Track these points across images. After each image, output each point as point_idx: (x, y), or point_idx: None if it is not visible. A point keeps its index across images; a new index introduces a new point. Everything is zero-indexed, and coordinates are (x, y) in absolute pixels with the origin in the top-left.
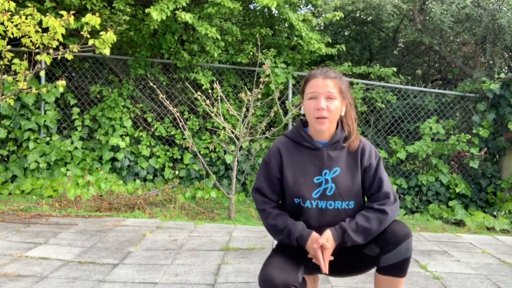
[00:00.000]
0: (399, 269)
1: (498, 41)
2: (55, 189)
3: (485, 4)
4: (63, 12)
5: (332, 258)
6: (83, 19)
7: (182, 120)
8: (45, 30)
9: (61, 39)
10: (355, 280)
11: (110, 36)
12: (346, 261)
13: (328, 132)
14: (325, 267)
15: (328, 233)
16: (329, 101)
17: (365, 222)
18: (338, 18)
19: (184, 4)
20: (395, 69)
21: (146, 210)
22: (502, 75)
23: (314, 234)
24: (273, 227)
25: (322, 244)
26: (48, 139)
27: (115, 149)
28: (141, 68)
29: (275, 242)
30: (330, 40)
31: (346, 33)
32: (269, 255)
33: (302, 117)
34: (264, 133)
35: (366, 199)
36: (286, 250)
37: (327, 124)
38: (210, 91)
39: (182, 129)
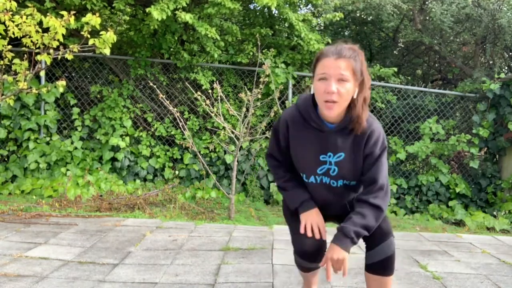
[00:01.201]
0: (384, 267)
1: (498, 41)
2: (55, 189)
3: (485, 4)
4: (64, 12)
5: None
6: (83, 19)
7: (182, 120)
8: (46, 30)
9: (61, 39)
10: (355, 280)
11: (110, 36)
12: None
13: (336, 114)
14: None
15: (333, 251)
16: (340, 83)
17: (363, 220)
18: (338, 18)
19: (184, 4)
20: (395, 69)
21: (146, 210)
22: (502, 75)
23: (316, 210)
24: (283, 187)
25: (337, 260)
26: (48, 139)
27: (115, 149)
28: (141, 68)
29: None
30: (330, 40)
31: (346, 33)
32: (290, 227)
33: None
34: (264, 133)
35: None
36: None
37: (336, 110)
38: (210, 91)
39: (182, 129)
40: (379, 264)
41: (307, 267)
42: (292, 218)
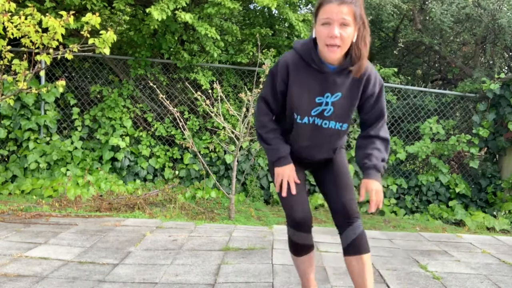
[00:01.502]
0: (359, 246)
1: (498, 41)
2: (55, 189)
3: (485, 4)
4: (63, 12)
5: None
6: (83, 19)
7: (182, 120)
8: (45, 30)
9: (61, 39)
10: None
11: (110, 36)
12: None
13: (338, 57)
14: (284, 192)
15: (372, 184)
16: (342, 28)
17: (381, 154)
18: None
19: (184, 4)
20: (396, 69)
21: (146, 210)
22: (502, 75)
23: (285, 167)
24: (264, 138)
25: (377, 190)
26: (48, 139)
27: (115, 149)
28: (141, 68)
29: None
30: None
31: None
32: (282, 198)
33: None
34: None
35: (360, 119)
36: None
37: (339, 53)
38: (210, 91)
39: (182, 129)
40: (354, 244)
41: (300, 243)
42: (283, 199)
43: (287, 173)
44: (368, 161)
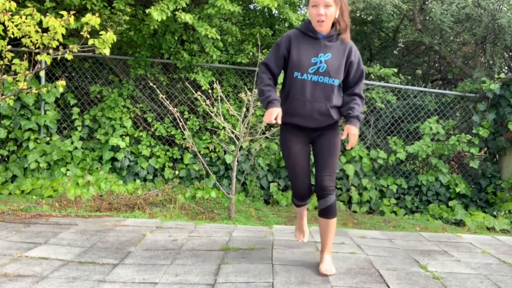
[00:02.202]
0: (328, 212)
1: (498, 41)
2: (55, 189)
3: (485, 4)
4: (63, 12)
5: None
6: (83, 19)
7: (182, 120)
8: (45, 30)
9: (61, 39)
10: (355, 280)
11: (110, 36)
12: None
13: (326, 29)
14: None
15: (353, 129)
16: (326, 8)
17: (360, 108)
18: None
19: (184, 5)
20: (395, 69)
21: (146, 210)
22: (502, 75)
23: (274, 108)
24: (260, 90)
25: (355, 134)
26: (48, 139)
27: (115, 149)
28: (141, 68)
29: (275, 243)
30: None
31: None
32: (289, 173)
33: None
34: (264, 133)
35: (345, 83)
36: (294, 152)
37: (325, 26)
38: (210, 91)
39: (182, 129)
40: (324, 210)
41: (298, 204)
42: (290, 163)
43: (275, 112)
44: (351, 112)
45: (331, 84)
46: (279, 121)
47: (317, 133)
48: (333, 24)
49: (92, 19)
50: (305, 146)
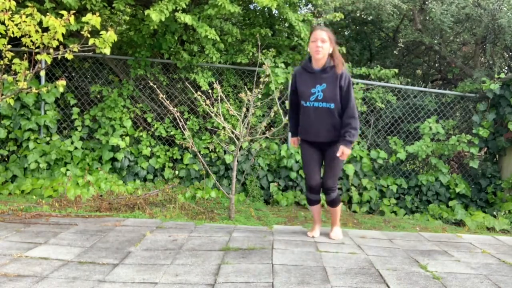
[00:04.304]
0: (332, 203)
1: (498, 41)
2: (55, 189)
3: (485, 4)
4: (63, 12)
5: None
6: (83, 19)
7: (182, 120)
8: (45, 30)
9: (61, 39)
10: (355, 280)
11: (110, 36)
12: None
13: (322, 62)
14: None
15: (346, 150)
16: (322, 43)
17: (354, 130)
18: (339, 19)
19: (184, 6)
20: (396, 70)
21: (146, 210)
22: (502, 75)
23: (292, 138)
24: (289, 121)
25: (346, 154)
26: (48, 139)
27: (115, 149)
28: (141, 68)
29: (275, 243)
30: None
31: (346, 33)
32: (304, 170)
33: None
34: (264, 133)
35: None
36: (307, 157)
37: (321, 54)
38: (210, 91)
39: (182, 129)
40: (329, 202)
41: (311, 199)
42: (304, 164)
43: (293, 141)
44: (346, 137)
45: (328, 107)
46: (296, 145)
47: (326, 146)
48: (327, 59)
49: (92, 19)
50: (315, 153)
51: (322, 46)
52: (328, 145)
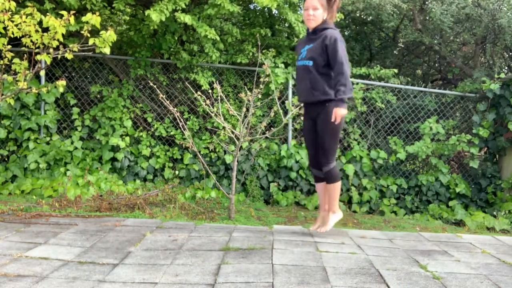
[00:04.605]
0: (327, 179)
1: (498, 41)
2: (55, 189)
3: (485, 4)
4: (63, 12)
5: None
6: (84, 18)
7: (182, 120)
8: (45, 30)
9: (61, 39)
10: (355, 280)
11: (110, 35)
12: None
13: (314, 25)
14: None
15: (338, 110)
16: (314, 10)
17: (344, 87)
18: (339, 19)
19: (184, 6)
20: (396, 70)
21: (146, 210)
22: (502, 75)
23: None
24: None
25: (340, 114)
26: (48, 139)
27: (115, 149)
28: (141, 68)
29: (275, 243)
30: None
31: (346, 33)
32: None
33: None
34: (264, 133)
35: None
36: (304, 131)
37: (313, 23)
38: (210, 91)
39: (182, 129)
40: (325, 177)
41: (313, 174)
42: (304, 139)
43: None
44: (337, 95)
45: (307, 65)
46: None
47: (316, 113)
48: (322, 22)
49: (92, 18)
50: (310, 125)
51: (314, 14)
52: (318, 113)
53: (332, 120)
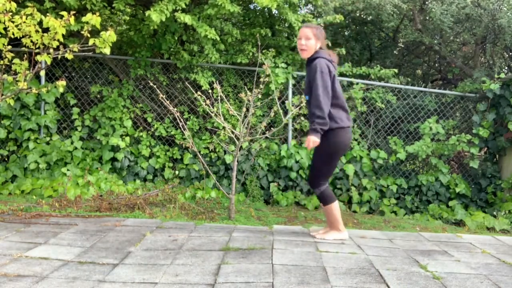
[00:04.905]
0: (320, 200)
1: (498, 41)
2: (55, 189)
3: (485, 4)
4: (64, 13)
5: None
6: (83, 18)
7: (182, 120)
8: (46, 30)
9: (61, 39)
10: (355, 280)
11: (110, 35)
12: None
13: (308, 56)
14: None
15: (312, 138)
16: (307, 40)
17: (319, 119)
18: (339, 20)
19: (184, 6)
20: (396, 70)
21: (146, 210)
22: (502, 75)
23: None
24: None
25: (313, 141)
26: (48, 139)
27: (115, 149)
28: (141, 68)
29: (275, 243)
30: (329, 43)
31: (346, 33)
32: None
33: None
34: (264, 133)
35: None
36: None
37: (305, 54)
38: (210, 91)
39: (182, 129)
40: (319, 199)
41: None
42: None
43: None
44: (311, 125)
45: (307, 99)
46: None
47: None
48: (314, 52)
49: (92, 19)
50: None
51: (306, 44)
52: None
53: (305, 145)
